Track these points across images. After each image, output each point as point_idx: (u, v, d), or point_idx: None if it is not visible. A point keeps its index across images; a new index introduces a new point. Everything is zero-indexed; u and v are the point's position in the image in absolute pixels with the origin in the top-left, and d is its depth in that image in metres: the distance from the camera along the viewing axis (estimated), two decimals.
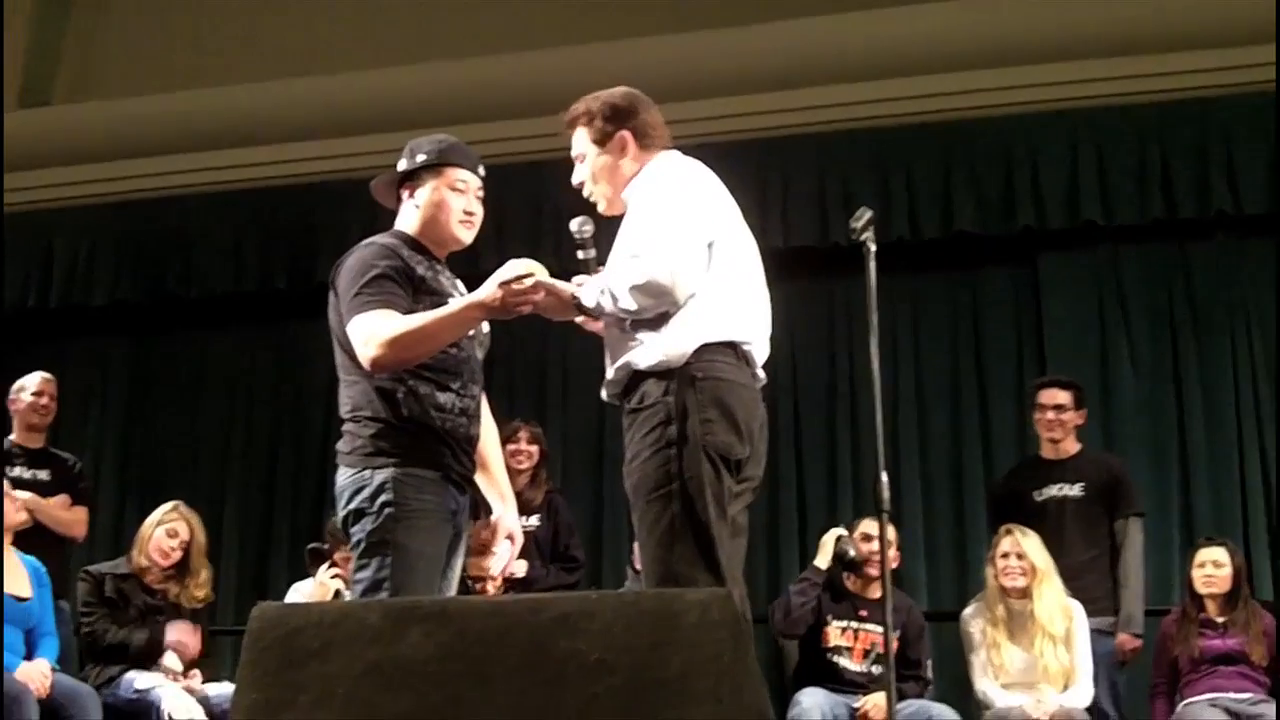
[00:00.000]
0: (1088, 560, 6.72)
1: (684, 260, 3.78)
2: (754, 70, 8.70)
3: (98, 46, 10.19)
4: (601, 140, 4.06)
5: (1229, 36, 8.21)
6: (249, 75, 9.52)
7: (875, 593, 6.69)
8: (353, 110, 9.15)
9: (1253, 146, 8.12)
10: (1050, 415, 7.03)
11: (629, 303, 3.77)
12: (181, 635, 6.63)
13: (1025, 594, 6.49)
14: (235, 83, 9.50)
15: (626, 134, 4.03)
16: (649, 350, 3.82)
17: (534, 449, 7.37)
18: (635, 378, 3.86)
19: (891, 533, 6.51)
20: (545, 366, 9.10)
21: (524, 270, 3.88)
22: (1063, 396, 7.06)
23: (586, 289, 3.91)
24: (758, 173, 8.53)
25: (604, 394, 4.05)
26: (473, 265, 3.93)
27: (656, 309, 3.78)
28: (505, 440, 7.26)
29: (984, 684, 6.51)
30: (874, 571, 6.66)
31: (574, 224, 4.17)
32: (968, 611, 6.73)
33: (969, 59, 8.54)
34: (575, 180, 4.17)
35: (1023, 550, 6.51)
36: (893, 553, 6.57)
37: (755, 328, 3.97)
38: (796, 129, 8.83)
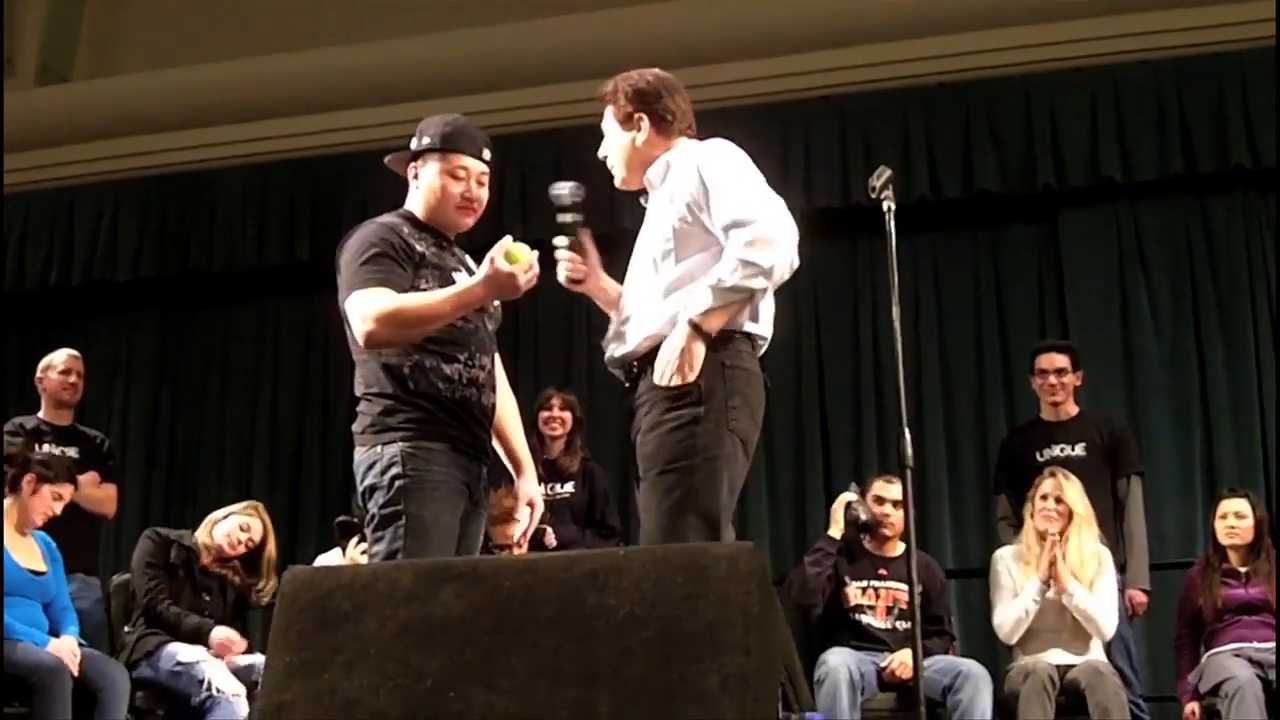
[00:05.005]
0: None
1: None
2: (773, 33, 8.68)
3: (116, 22, 10.19)
4: (624, 120, 4.19)
5: None
6: (268, 47, 9.51)
7: (892, 551, 6.74)
8: (375, 80, 9.13)
9: (1270, 100, 8.10)
10: (1052, 380, 7.11)
11: (762, 257, 3.80)
12: (225, 638, 6.63)
13: (1060, 537, 6.50)
14: (254, 55, 9.49)
15: (645, 117, 4.15)
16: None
17: (566, 415, 7.34)
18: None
19: (898, 491, 6.48)
20: (571, 336, 9.06)
21: (523, 256, 3.94)
22: (1061, 360, 7.13)
23: (699, 295, 3.87)
24: (779, 135, 8.54)
25: (614, 355, 4.10)
26: (495, 235, 3.96)
27: (782, 266, 3.84)
28: (538, 408, 7.27)
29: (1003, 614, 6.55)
30: (888, 532, 6.71)
31: (564, 188, 4.24)
32: (1002, 552, 6.74)
33: (988, 18, 8.54)
34: (600, 153, 4.29)
35: (1062, 494, 6.53)
36: (900, 513, 6.51)
37: (769, 323, 4.05)
38: (816, 91, 8.84)
